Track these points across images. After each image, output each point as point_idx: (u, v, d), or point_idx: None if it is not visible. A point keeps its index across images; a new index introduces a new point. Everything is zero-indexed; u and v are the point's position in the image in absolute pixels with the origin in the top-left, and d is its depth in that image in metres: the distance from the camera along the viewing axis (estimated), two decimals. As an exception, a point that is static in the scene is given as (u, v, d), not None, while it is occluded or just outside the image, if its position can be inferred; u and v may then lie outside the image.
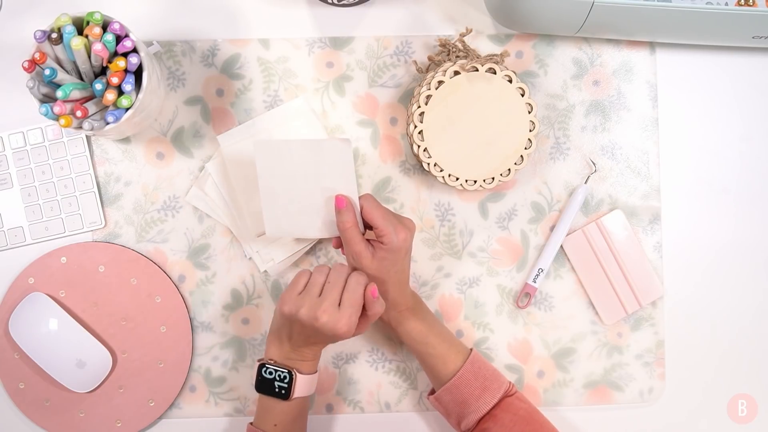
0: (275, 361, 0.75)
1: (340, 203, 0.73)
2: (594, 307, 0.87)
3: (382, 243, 0.73)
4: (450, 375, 0.77)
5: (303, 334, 0.72)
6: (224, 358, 0.86)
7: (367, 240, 0.74)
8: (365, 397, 0.87)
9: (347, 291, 0.71)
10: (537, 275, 0.86)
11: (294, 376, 0.74)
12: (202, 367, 0.86)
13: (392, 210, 0.86)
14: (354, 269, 0.74)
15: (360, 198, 0.74)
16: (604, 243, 0.86)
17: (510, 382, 0.79)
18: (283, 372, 0.74)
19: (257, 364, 0.76)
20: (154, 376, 0.85)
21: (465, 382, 0.77)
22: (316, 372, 0.76)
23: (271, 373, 0.74)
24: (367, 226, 0.75)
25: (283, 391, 0.74)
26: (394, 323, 0.78)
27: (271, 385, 0.74)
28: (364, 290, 0.71)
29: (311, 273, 0.73)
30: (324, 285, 0.72)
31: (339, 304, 0.70)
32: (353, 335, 0.72)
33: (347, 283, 0.71)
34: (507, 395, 0.78)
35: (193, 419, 0.87)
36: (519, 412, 0.76)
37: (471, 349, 0.80)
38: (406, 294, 0.78)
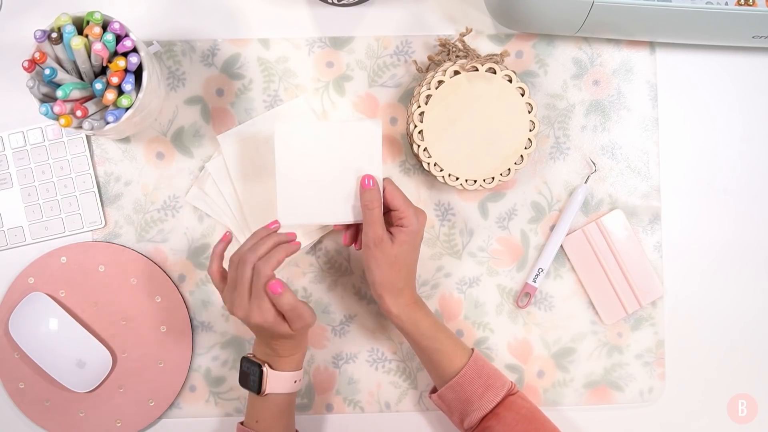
0: (254, 356, 0.76)
1: (367, 183, 0.74)
2: (594, 307, 0.87)
3: (402, 226, 0.74)
4: (454, 372, 0.77)
5: (252, 330, 0.75)
6: (224, 358, 0.86)
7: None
8: (365, 396, 0.87)
9: (254, 280, 0.70)
10: (537, 275, 0.86)
11: (263, 372, 0.74)
12: (202, 366, 0.86)
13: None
14: (260, 258, 0.71)
15: (385, 181, 0.75)
16: (604, 243, 0.86)
17: (512, 382, 0.79)
18: (254, 367, 0.75)
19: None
20: (154, 376, 0.85)
21: (468, 380, 0.77)
22: (297, 370, 0.76)
23: (247, 368, 0.76)
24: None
25: (255, 386, 0.75)
26: (404, 316, 0.76)
27: (246, 379, 0.76)
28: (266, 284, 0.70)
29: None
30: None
31: (250, 296, 0.71)
32: (299, 325, 0.71)
33: (253, 272, 0.71)
34: (510, 394, 0.78)
35: (193, 419, 0.87)
36: (521, 410, 0.76)
37: (472, 349, 0.79)
38: (413, 286, 0.78)
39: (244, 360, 0.76)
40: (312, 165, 0.75)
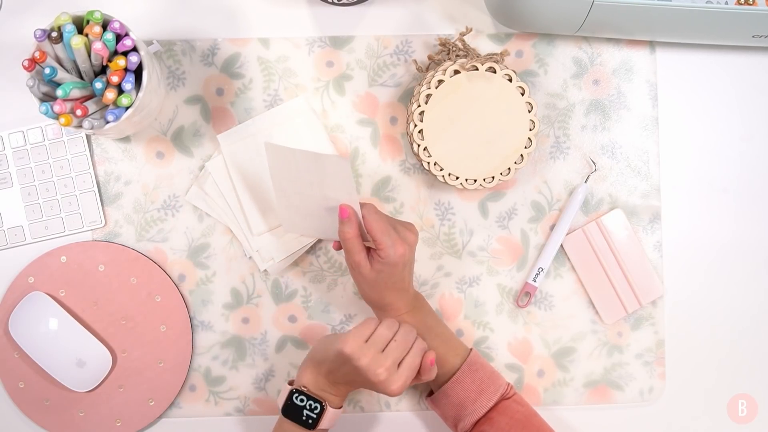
0: (308, 390, 0.73)
1: (343, 214, 0.73)
2: (594, 307, 0.87)
3: (379, 257, 0.73)
4: (447, 377, 0.77)
5: (350, 377, 0.71)
6: (224, 358, 0.86)
7: (369, 248, 0.75)
8: (365, 396, 0.87)
9: (410, 355, 0.71)
10: (537, 274, 0.86)
11: (325, 408, 0.73)
12: (202, 366, 0.86)
13: (393, 209, 0.86)
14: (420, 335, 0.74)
15: (362, 208, 0.73)
16: (604, 242, 0.86)
17: (509, 384, 0.79)
18: (315, 403, 0.73)
19: (288, 387, 0.74)
20: (154, 376, 0.85)
21: (461, 384, 0.77)
22: (341, 407, 0.75)
23: (302, 401, 0.73)
24: None
25: (310, 421, 0.73)
26: None
27: (299, 412, 0.73)
28: (423, 357, 0.72)
29: (378, 324, 0.72)
30: (390, 342, 0.71)
31: (399, 365, 0.70)
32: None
33: (412, 346, 0.72)
34: (504, 398, 0.78)
35: (193, 418, 0.86)
36: (515, 415, 0.76)
37: (471, 350, 0.79)
38: (405, 299, 0.78)
39: (298, 392, 0.73)
40: (298, 185, 0.75)
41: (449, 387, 0.77)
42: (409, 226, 0.76)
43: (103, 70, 0.76)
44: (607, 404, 0.88)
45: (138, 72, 0.74)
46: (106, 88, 0.72)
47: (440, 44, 0.83)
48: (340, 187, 0.73)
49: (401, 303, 0.78)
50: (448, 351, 0.78)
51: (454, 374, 0.77)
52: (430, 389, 0.82)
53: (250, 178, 0.84)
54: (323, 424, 0.73)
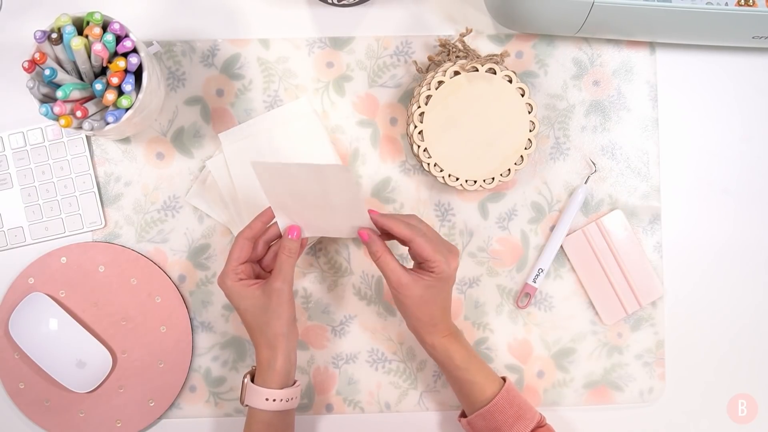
0: (254, 367, 0.77)
1: (364, 237, 0.74)
2: (594, 307, 0.87)
3: (432, 272, 0.73)
4: (485, 401, 0.76)
5: (240, 314, 0.76)
6: (224, 358, 0.87)
7: (407, 268, 0.74)
8: (365, 397, 0.87)
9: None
10: (537, 275, 0.86)
11: (243, 382, 0.76)
12: (202, 367, 0.86)
13: (393, 210, 0.86)
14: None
15: (406, 228, 0.73)
16: (604, 243, 0.86)
17: (541, 415, 0.78)
18: (245, 375, 0.77)
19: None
20: (154, 376, 0.85)
21: (500, 409, 0.76)
22: (270, 387, 0.74)
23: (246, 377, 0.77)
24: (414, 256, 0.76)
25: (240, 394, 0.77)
26: (438, 347, 0.77)
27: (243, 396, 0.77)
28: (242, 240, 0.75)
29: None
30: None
31: None
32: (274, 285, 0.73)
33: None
34: (539, 426, 0.77)
35: (193, 419, 0.87)
36: None
37: (504, 378, 0.79)
38: (449, 319, 0.78)
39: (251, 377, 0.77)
40: (298, 196, 0.74)
41: (487, 411, 0.76)
42: (450, 247, 0.76)
43: (103, 72, 0.76)
44: (607, 405, 0.88)
45: (138, 73, 0.74)
46: (106, 90, 0.72)
47: (440, 45, 0.83)
48: (344, 195, 0.72)
49: (445, 324, 0.77)
50: (485, 378, 0.77)
51: (490, 400, 0.76)
52: (462, 410, 0.81)
53: (251, 177, 0.84)
54: (247, 399, 0.75)
